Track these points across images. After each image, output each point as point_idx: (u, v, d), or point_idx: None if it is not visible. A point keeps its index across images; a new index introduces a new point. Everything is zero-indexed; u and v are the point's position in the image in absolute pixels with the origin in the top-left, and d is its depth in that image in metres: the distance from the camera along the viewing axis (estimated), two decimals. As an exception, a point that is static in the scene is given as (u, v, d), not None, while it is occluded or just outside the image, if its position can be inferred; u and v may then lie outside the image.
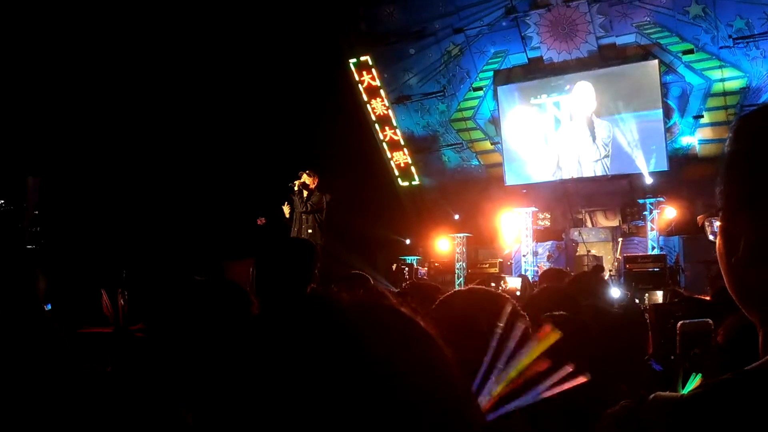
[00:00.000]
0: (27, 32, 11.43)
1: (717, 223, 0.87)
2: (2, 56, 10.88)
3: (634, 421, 0.77)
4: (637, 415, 0.77)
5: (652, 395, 0.78)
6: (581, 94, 14.10)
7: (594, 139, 14.12)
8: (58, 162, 11.77)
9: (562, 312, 2.11)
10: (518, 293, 8.44)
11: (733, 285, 0.84)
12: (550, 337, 1.19)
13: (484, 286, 1.92)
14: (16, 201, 11.03)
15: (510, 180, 15.09)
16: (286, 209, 9.27)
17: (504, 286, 9.80)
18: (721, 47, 12.69)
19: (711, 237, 0.89)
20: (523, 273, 12.78)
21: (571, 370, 1.21)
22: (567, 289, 3.01)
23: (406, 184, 16.75)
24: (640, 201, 12.76)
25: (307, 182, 9.11)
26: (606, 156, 14.03)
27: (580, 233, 13.86)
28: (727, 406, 0.71)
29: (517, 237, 13.84)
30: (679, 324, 1.91)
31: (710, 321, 1.90)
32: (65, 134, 11.92)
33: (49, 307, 5.89)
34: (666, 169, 13.29)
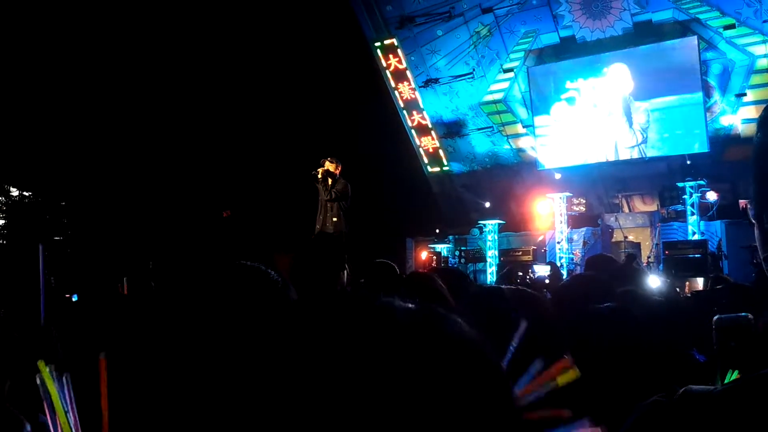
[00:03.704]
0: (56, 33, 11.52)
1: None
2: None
3: (664, 414, 0.76)
4: (667, 408, 0.76)
5: (683, 389, 0.77)
6: (616, 77, 13.59)
7: (631, 124, 13.61)
8: (91, 152, 11.87)
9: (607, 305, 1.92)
10: (547, 281, 8.15)
11: None
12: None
13: (515, 287, 1.69)
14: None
15: (543, 164, 14.68)
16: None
17: (532, 276, 9.50)
18: (764, 21, 12.15)
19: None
20: (557, 260, 12.43)
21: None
22: (600, 276, 2.89)
23: (435, 170, 16.46)
24: (680, 184, 12.22)
25: (331, 170, 8.92)
26: (643, 142, 13.52)
27: (616, 219, 13.39)
28: (759, 404, 0.69)
29: (551, 223, 13.46)
30: (714, 318, 1.76)
31: (750, 315, 1.74)
32: (105, 123, 12.04)
33: (75, 297, 5.86)
34: (707, 150, 12.74)
